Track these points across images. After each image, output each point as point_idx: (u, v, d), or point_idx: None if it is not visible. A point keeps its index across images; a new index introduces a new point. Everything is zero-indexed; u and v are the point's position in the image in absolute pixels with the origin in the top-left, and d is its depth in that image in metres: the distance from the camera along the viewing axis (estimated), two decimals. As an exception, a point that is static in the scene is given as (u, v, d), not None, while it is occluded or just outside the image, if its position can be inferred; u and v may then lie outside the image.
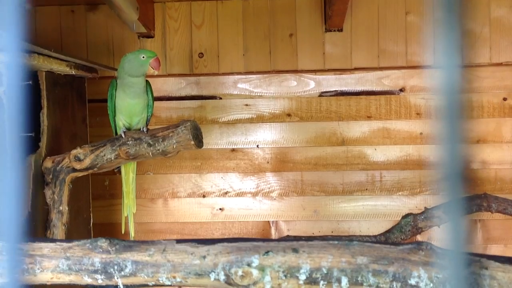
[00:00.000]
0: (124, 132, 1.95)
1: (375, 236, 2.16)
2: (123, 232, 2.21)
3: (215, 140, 2.70)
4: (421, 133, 2.64)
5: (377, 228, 2.62)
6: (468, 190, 0.34)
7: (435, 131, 0.34)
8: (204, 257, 1.10)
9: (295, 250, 1.07)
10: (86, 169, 1.94)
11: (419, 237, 2.42)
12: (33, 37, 2.40)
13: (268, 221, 2.71)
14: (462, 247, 0.34)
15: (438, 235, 2.62)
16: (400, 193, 2.65)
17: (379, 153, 2.65)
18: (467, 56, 0.33)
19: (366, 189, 2.66)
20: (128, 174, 2.13)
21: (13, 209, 0.34)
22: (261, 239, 1.13)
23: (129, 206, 2.14)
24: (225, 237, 1.86)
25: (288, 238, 1.95)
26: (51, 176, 1.93)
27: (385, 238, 2.12)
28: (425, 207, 2.19)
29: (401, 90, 2.64)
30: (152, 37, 2.66)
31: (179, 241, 1.15)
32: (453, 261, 0.33)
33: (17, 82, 0.32)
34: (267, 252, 1.07)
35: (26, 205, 1.86)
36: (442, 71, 0.32)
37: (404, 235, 2.15)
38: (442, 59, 0.32)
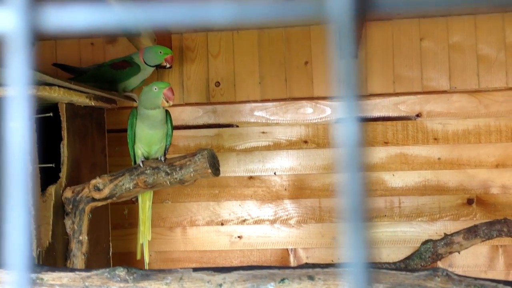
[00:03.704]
0: (142, 162, 1.98)
1: (394, 263, 2.14)
2: (138, 258, 2.24)
3: (232, 168, 2.72)
4: (439, 158, 2.62)
5: (397, 254, 2.59)
6: (366, 210, 0.36)
7: (340, 181, 0.36)
8: (221, 285, 1.11)
9: (310, 278, 1.07)
10: (105, 198, 1.97)
11: (439, 264, 2.39)
12: (53, 70, 2.46)
13: (287, 249, 2.70)
14: (363, 265, 0.35)
15: (459, 261, 2.59)
16: (419, 219, 2.62)
17: (397, 179, 2.64)
18: (360, 88, 0.35)
19: (385, 216, 2.64)
20: (145, 202, 2.16)
21: (23, 240, 0.35)
22: (276, 266, 1.14)
23: (145, 234, 2.17)
24: (244, 265, 1.86)
25: (304, 266, 1.94)
26: (71, 206, 1.96)
27: (404, 265, 2.10)
28: (445, 233, 2.17)
29: (418, 115, 2.64)
30: (170, 67, 2.70)
31: (195, 269, 1.16)
32: (355, 277, 0.35)
33: (28, 115, 0.33)
34: (283, 280, 1.07)
35: (46, 235, 1.88)
36: (341, 102, 0.34)
37: (424, 261, 2.13)
38: (342, 113, 0.34)
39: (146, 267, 2.22)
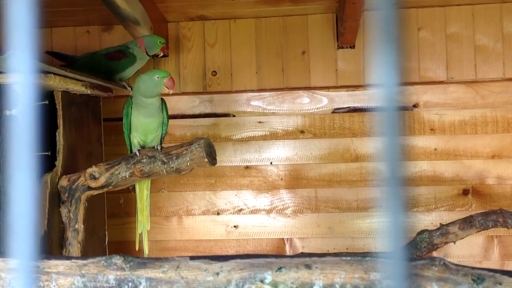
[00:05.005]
0: (139, 150, 1.97)
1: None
2: (137, 249, 2.23)
3: (228, 158, 2.71)
4: (435, 149, 2.63)
5: (392, 244, 2.60)
6: (406, 200, 0.35)
7: (378, 146, 0.35)
8: (218, 273, 1.11)
9: (308, 266, 1.07)
10: (101, 187, 1.96)
11: (435, 254, 2.40)
12: (48, 58, 2.44)
13: (283, 238, 2.70)
14: (401, 254, 0.34)
15: (454, 251, 2.60)
16: (415, 209, 2.63)
17: (393, 169, 2.64)
18: (403, 75, 0.33)
19: (381, 205, 2.64)
20: (142, 191, 2.15)
21: (28, 227, 0.35)
22: (274, 255, 1.13)
23: (143, 223, 2.16)
24: (241, 253, 1.86)
25: (301, 255, 1.94)
26: (66, 195, 1.95)
27: (400, 255, 2.10)
28: (440, 224, 2.18)
29: (415, 106, 2.64)
30: (166, 56, 2.69)
31: (192, 257, 1.16)
32: (393, 265, 0.34)
33: (31, 102, 0.33)
34: (280, 269, 1.07)
35: (42, 223, 1.88)
36: (381, 90, 0.33)
37: (419, 251, 2.13)
38: (381, 78, 0.32)
39: (146, 256, 2.21)
